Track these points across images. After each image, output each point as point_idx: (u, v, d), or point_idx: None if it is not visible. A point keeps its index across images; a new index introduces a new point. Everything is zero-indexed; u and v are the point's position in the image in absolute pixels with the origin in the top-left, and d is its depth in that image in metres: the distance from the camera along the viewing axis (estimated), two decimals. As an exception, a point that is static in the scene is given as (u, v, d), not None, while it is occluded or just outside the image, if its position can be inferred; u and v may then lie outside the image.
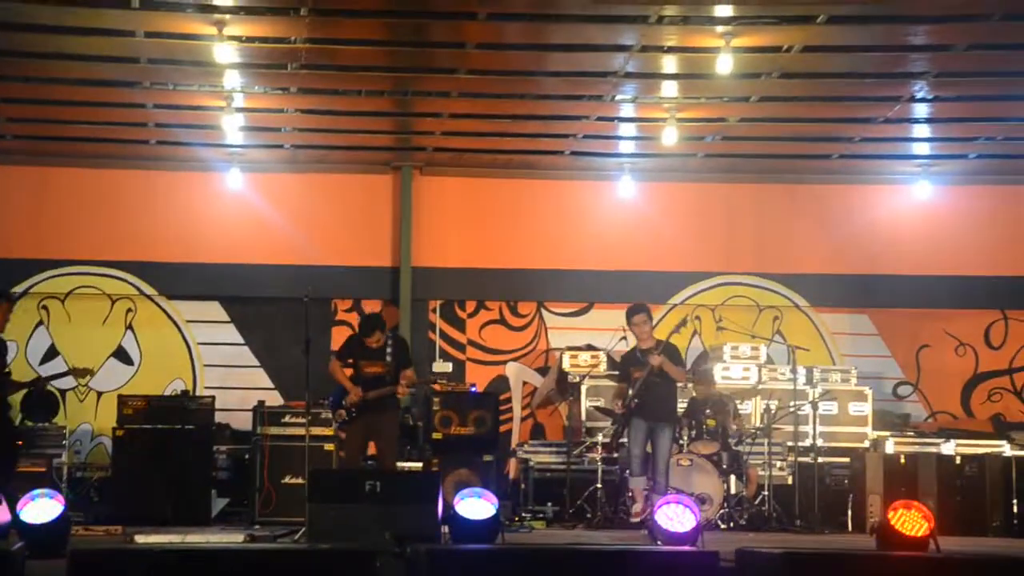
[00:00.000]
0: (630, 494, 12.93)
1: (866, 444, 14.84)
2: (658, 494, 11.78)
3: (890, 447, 14.41)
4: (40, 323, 15.44)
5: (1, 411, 11.68)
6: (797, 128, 14.93)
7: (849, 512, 14.14)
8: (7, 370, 11.77)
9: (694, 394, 14.10)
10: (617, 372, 13.75)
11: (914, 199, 16.40)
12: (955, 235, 16.36)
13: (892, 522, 7.83)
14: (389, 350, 12.27)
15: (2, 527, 8.26)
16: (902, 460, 14.09)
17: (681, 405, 13.64)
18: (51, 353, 15.39)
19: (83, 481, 14.11)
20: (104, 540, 10.42)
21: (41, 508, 7.78)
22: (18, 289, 15.50)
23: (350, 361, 12.27)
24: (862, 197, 16.50)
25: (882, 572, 6.39)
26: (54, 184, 15.83)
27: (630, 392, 12.78)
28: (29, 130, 15.10)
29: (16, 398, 12.75)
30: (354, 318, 15.73)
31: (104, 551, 7.93)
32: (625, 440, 13.09)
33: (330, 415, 12.42)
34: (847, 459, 14.64)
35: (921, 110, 14.36)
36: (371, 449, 12.49)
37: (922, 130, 15.21)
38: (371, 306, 15.92)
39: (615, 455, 13.91)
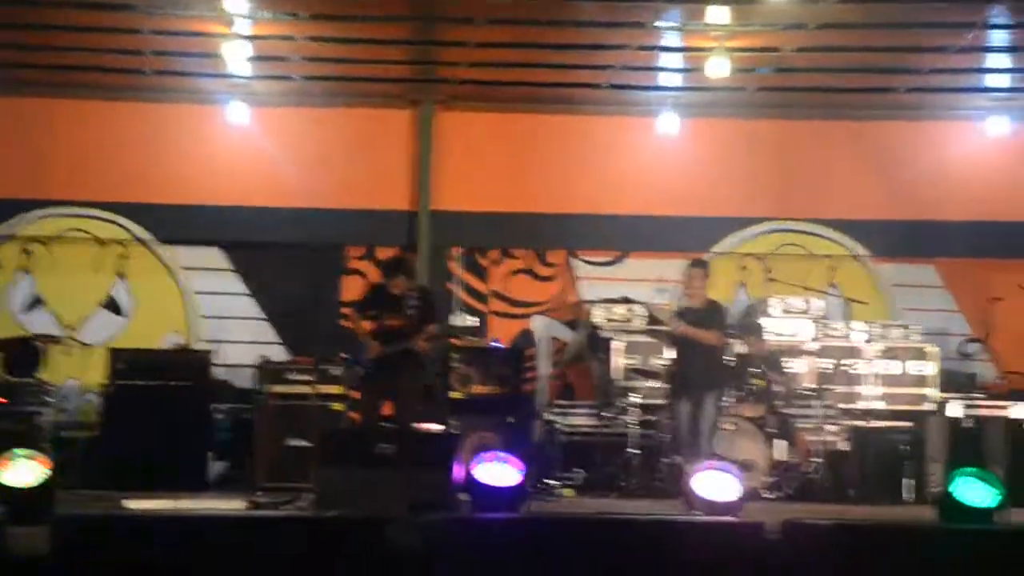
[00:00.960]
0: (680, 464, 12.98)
1: (929, 407, 14.82)
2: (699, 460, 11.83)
3: (955, 410, 14.40)
4: (24, 268, 15.49)
5: None
6: (859, 58, 14.83)
7: (909, 481, 14.17)
8: None
9: (739, 352, 14.12)
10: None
11: (988, 136, 16.30)
12: (1034, 176, 16.32)
13: (955, 492, 7.84)
14: (414, 302, 12.32)
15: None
16: (968, 424, 14.10)
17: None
18: (35, 302, 15.47)
19: (69, 441, 14.17)
20: (92, 505, 10.49)
21: (23, 470, 7.84)
22: (2, 232, 15.65)
23: (371, 313, 12.32)
24: (930, 135, 16.41)
25: (945, 547, 6.39)
26: (39, 117, 15.85)
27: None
28: (10, 57, 15.11)
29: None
30: (367, 266, 15.78)
31: (91, 517, 8.00)
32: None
33: (340, 372, 12.50)
34: (907, 423, 14.64)
35: (999, 37, 14.29)
36: (386, 410, 12.56)
37: (999, 60, 15.14)
38: (386, 253, 15.93)
39: (652, 418, 13.95)
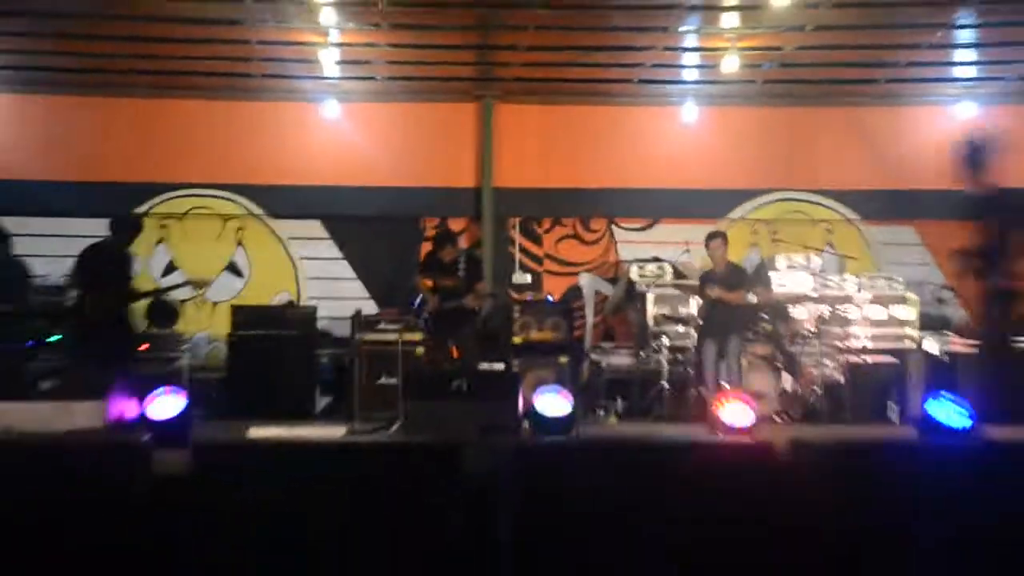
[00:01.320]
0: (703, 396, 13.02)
1: (910, 344, 14.76)
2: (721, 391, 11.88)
3: (932, 346, 14.34)
4: (160, 240, 15.60)
5: (124, 317, 11.86)
6: (849, 55, 14.74)
7: (895, 406, 14.12)
8: (131, 281, 11.97)
9: (752, 300, 14.08)
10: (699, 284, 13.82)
11: (957, 119, 16.19)
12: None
13: (933, 413, 7.81)
14: (462, 265, 12.34)
15: (132, 421, 8.41)
16: (943, 358, 14.03)
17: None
18: (170, 268, 15.58)
19: (202, 381, 14.28)
20: (221, 432, 10.57)
21: (166, 404, 7.91)
22: (140, 209, 15.73)
23: (428, 275, 12.37)
24: (908, 118, 16.30)
25: (926, 459, 6.37)
26: (172, 114, 15.92)
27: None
28: (151, 65, 15.16)
29: (140, 307, 12.93)
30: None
31: (222, 443, 8.05)
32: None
33: (417, 321, 12.56)
34: (892, 358, 14.58)
35: (965, 35, 14.16)
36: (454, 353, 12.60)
37: (965, 54, 14.99)
38: (456, 224, 15.99)
39: (679, 357, 13.94)
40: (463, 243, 12.69)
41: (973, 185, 10.26)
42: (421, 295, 12.52)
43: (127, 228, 12.12)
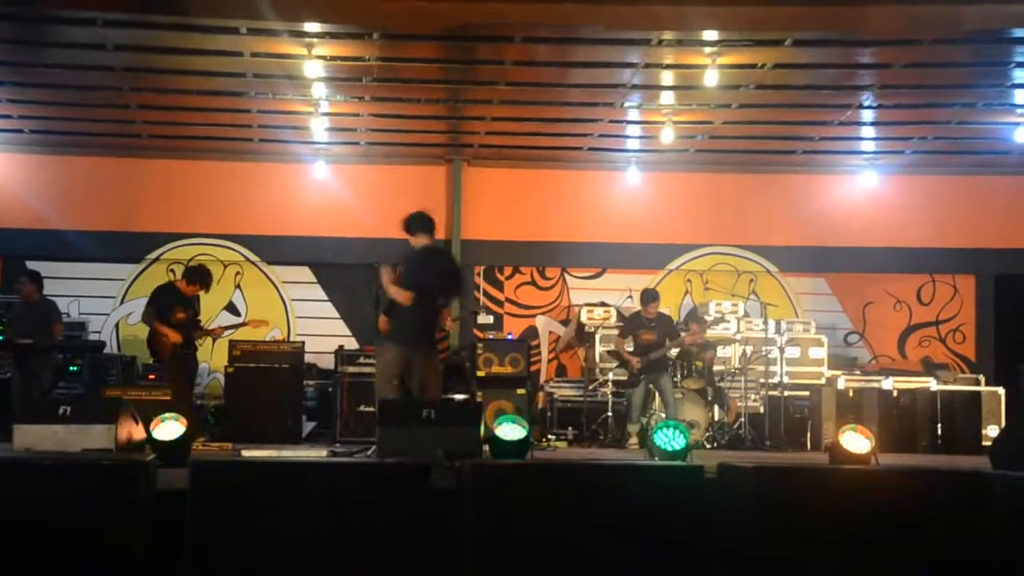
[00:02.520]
0: (630, 436, 13.17)
1: (822, 381, 14.83)
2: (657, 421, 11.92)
3: (841, 383, 14.41)
4: (169, 282, 15.50)
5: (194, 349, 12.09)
6: (769, 129, 14.88)
7: (808, 435, 14.17)
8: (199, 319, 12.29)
9: (686, 341, 14.11)
10: (622, 326, 14.02)
11: (861, 186, 16.38)
12: (894, 214, 16.32)
13: (841, 442, 7.84)
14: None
15: (140, 442, 8.35)
16: (850, 394, 14.11)
17: (673, 352, 13.75)
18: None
19: (201, 407, 14.20)
20: (218, 454, 10.51)
21: (169, 428, 7.86)
22: (151, 256, 15.69)
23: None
24: (820, 184, 16.44)
25: (834, 481, 6.39)
26: (179, 173, 15.91)
27: (631, 350, 13.10)
28: (161, 131, 15.18)
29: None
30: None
31: (218, 462, 7.99)
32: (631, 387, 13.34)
33: None
34: (807, 393, 14.65)
35: (867, 115, 14.32)
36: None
37: (868, 131, 15.17)
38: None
39: (621, 392, 13.94)
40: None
41: None
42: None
43: (201, 279, 12.20)
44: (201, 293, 12.33)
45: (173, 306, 11.98)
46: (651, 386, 13.23)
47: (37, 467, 6.10)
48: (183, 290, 12.14)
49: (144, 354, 14.54)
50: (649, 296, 13.59)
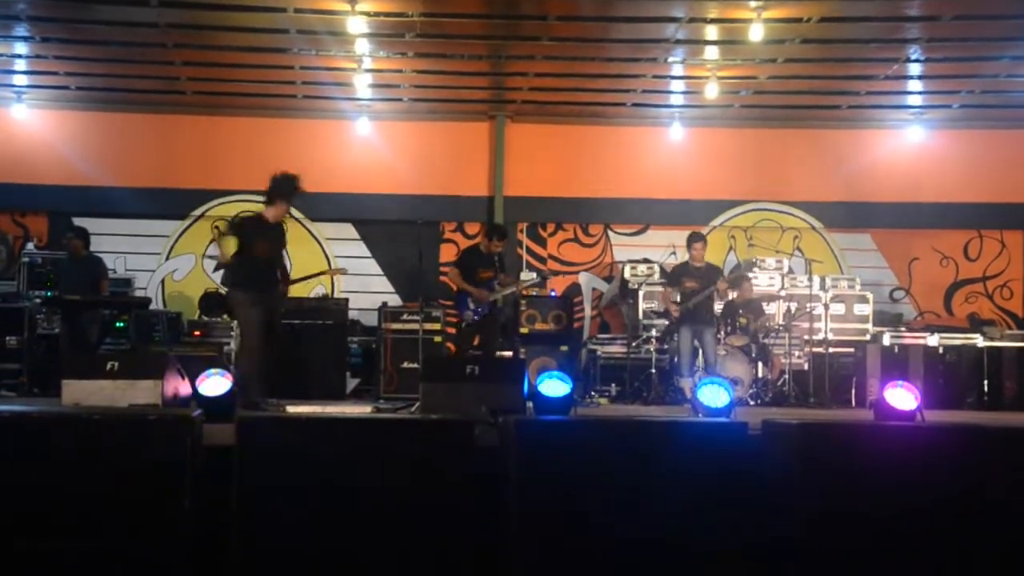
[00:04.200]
0: (680, 386, 12.97)
1: (867, 337, 14.73)
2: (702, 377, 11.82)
3: (886, 340, 14.30)
4: (212, 240, 15.57)
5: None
6: (815, 84, 14.72)
7: (853, 391, 14.10)
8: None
9: (730, 297, 14.07)
10: (666, 279, 13.87)
11: (908, 141, 16.20)
12: (940, 169, 16.16)
13: (887, 399, 7.78)
14: (497, 260, 12.30)
15: (185, 398, 8.41)
16: (896, 350, 14.02)
17: (718, 307, 13.71)
18: (220, 265, 15.56)
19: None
20: (264, 409, 10.55)
21: (215, 383, 7.89)
22: (195, 212, 15.75)
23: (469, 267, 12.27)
24: (866, 139, 16.29)
25: (879, 438, 6.35)
26: (223, 130, 15.96)
27: (678, 299, 12.96)
28: (205, 87, 15.19)
29: (195, 297, 12.83)
30: (458, 237, 15.84)
31: (264, 418, 8.07)
32: (676, 339, 13.21)
33: (435, 313, 12.47)
34: (852, 349, 14.56)
35: (914, 69, 14.12)
36: (475, 341, 12.53)
37: (915, 85, 14.96)
38: (472, 228, 16.00)
39: (665, 347, 13.94)
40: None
41: None
42: (465, 292, 12.30)
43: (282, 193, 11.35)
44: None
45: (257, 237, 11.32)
46: (696, 340, 13.12)
47: (86, 421, 6.16)
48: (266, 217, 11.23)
49: (189, 311, 14.69)
50: (694, 238, 13.40)
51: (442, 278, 14.64)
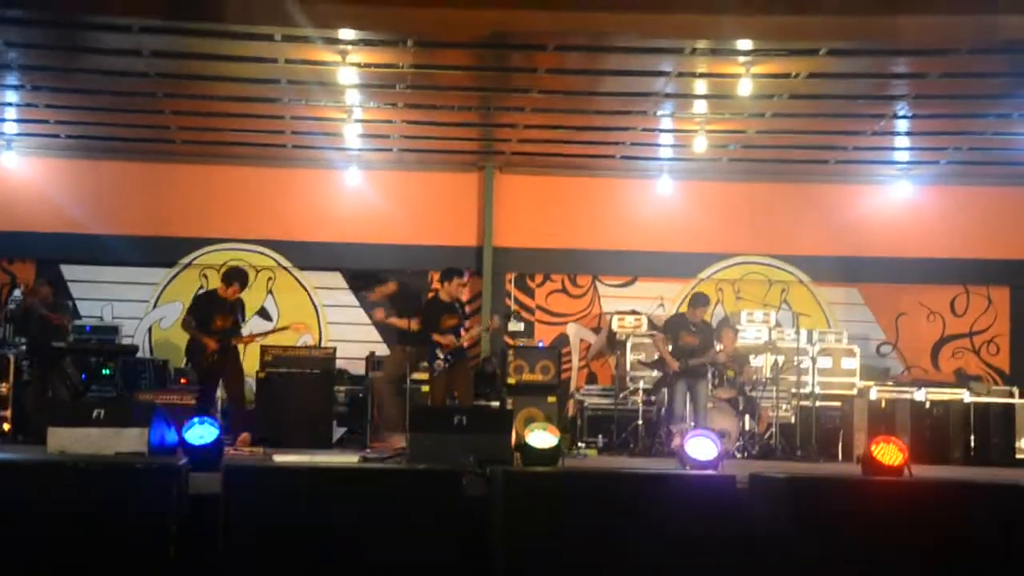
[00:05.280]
0: (673, 433, 12.87)
1: (854, 392, 14.74)
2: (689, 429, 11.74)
3: (873, 394, 14.32)
4: (201, 287, 15.51)
5: (237, 355, 12.22)
6: (803, 139, 14.82)
7: (840, 445, 14.08)
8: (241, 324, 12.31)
9: (717, 350, 14.09)
10: (661, 329, 13.80)
11: (895, 196, 16.29)
12: (927, 225, 16.24)
13: (874, 453, 7.79)
14: (459, 306, 12.29)
15: (171, 446, 8.38)
16: (883, 405, 14.01)
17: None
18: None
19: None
20: (249, 458, 10.53)
21: (201, 432, 7.87)
22: (184, 261, 15.75)
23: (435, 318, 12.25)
24: (854, 195, 16.37)
25: (866, 493, 6.37)
26: (212, 179, 15.98)
27: (675, 357, 12.90)
28: (194, 136, 15.24)
29: (182, 345, 12.89)
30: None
31: (250, 467, 8.04)
32: (667, 391, 13.19)
33: (426, 363, 12.44)
34: (839, 403, 14.54)
35: (902, 125, 14.24)
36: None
37: (902, 141, 15.09)
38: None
39: (652, 399, 13.91)
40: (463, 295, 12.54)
41: None
42: (434, 343, 12.32)
43: (233, 280, 12.23)
44: (243, 296, 12.34)
45: (213, 313, 12.04)
46: (689, 392, 13.09)
47: (71, 469, 6.15)
48: (222, 294, 12.20)
49: (175, 358, 14.64)
50: (700, 300, 13.40)
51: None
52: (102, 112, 14.31)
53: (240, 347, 12.35)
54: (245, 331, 12.62)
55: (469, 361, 12.75)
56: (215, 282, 14.76)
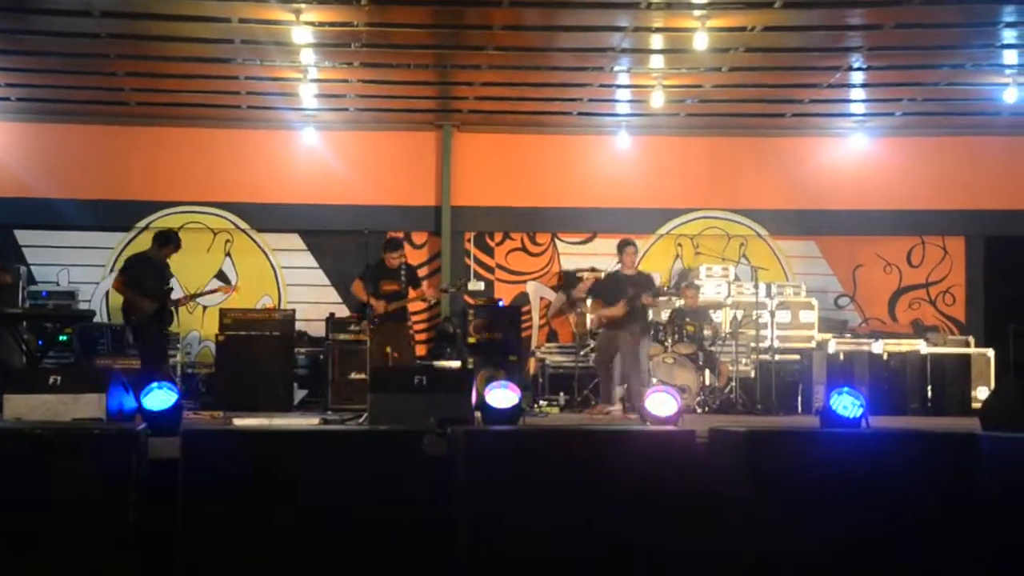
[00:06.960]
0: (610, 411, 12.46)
1: (813, 344, 14.86)
2: (644, 388, 11.37)
3: (832, 347, 14.45)
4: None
5: (166, 319, 12.20)
6: (759, 92, 14.83)
7: (799, 398, 14.20)
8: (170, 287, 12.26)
9: (678, 305, 14.13)
10: (594, 293, 13.29)
11: (851, 149, 16.37)
12: (884, 177, 16.33)
13: (833, 405, 7.84)
14: (403, 272, 12.22)
15: (130, 411, 8.32)
16: (841, 357, 14.17)
17: (664, 315, 13.75)
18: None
19: (192, 376, 14.20)
20: (208, 423, 10.49)
21: (160, 397, 7.81)
22: (140, 224, 15.61)
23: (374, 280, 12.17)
24: (810, 147, 16.44)
25: (825, 445, 6.40)
26: (167, 141, 15.83)
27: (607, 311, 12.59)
28: (147, 98, 15.08)
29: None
30: (406, 247, 15.66)
31: (209, 431, 8.00)
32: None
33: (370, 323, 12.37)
34: (798, 356, 14.69)
35: (857, 77, 14.29)
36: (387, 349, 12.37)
37: (857, 93, 15.13)
38: (419, 237, 16.01)
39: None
40: (423, 255, 12.46)
41: None
42: (366, 302, 12.21)
43: (168, 242, 12.28)
44: (174, 258, 12.33)
45: (148, 275, 11.97)
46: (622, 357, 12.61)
47: (28, 436, 6.09)
48: (152, 256, 12.14)
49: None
50: (624, 243, 12.82)
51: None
52: (53, 74, 14.15)
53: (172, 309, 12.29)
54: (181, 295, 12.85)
55: (406, 322, 12.59)
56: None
